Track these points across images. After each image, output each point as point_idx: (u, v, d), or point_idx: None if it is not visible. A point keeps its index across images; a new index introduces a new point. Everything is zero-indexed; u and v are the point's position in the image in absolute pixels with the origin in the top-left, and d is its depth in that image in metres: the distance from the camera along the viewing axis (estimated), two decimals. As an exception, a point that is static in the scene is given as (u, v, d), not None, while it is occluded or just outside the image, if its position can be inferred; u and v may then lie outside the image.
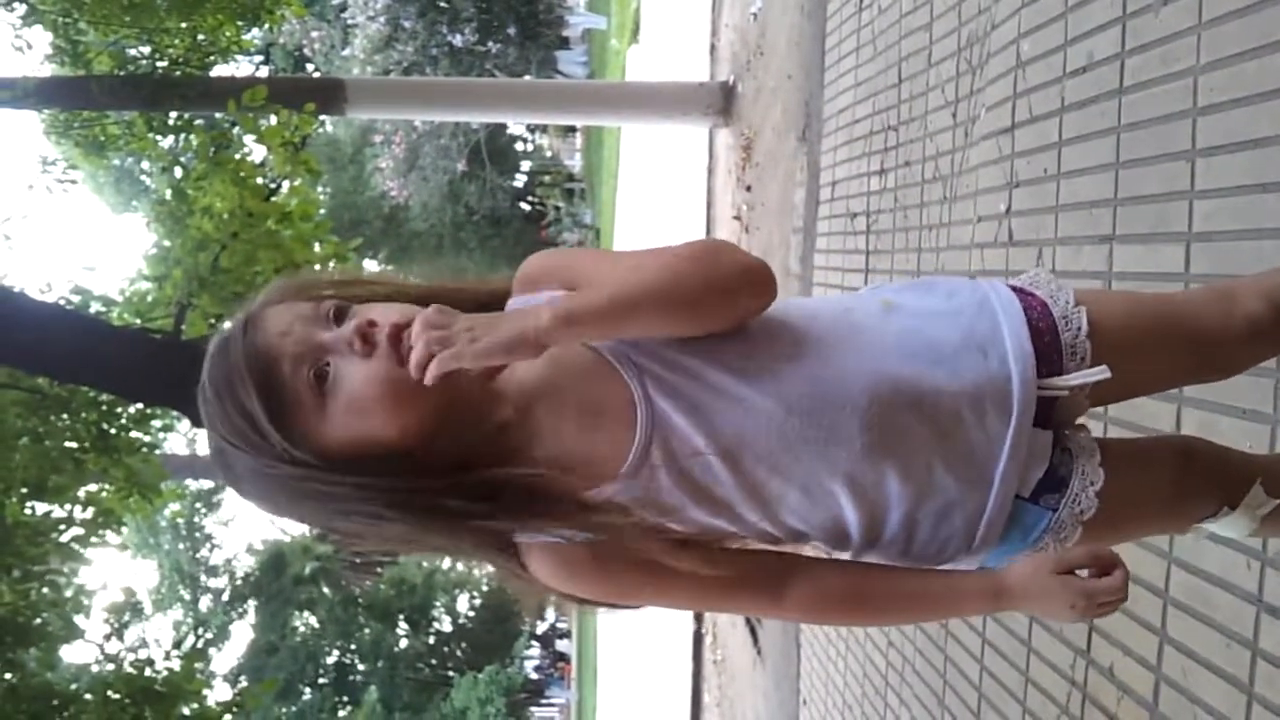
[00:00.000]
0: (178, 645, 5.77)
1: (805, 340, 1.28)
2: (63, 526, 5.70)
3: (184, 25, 8.62)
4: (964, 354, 1.29)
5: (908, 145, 4.48)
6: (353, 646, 36.77)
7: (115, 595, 6.18)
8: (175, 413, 6.25)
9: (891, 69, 4.73)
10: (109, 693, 5.34)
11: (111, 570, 47.99)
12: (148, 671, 5.59)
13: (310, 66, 25.67)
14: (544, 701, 41.84)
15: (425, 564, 39.26)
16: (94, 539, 5.75)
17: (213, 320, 5.45)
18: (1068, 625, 2.84)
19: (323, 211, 7.68)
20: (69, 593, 5.48)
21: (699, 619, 10.56)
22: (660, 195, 16.21)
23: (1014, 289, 1.38)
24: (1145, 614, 2.50)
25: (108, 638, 6.13)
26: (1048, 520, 1.32)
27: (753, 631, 7.62)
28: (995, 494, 1.29)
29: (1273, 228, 2.16)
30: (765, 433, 1.23)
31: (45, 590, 5.36)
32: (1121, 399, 1.47)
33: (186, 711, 5.49)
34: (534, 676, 41.36)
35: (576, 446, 1.24)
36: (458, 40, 21.05)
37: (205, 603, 34.72)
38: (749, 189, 8.90)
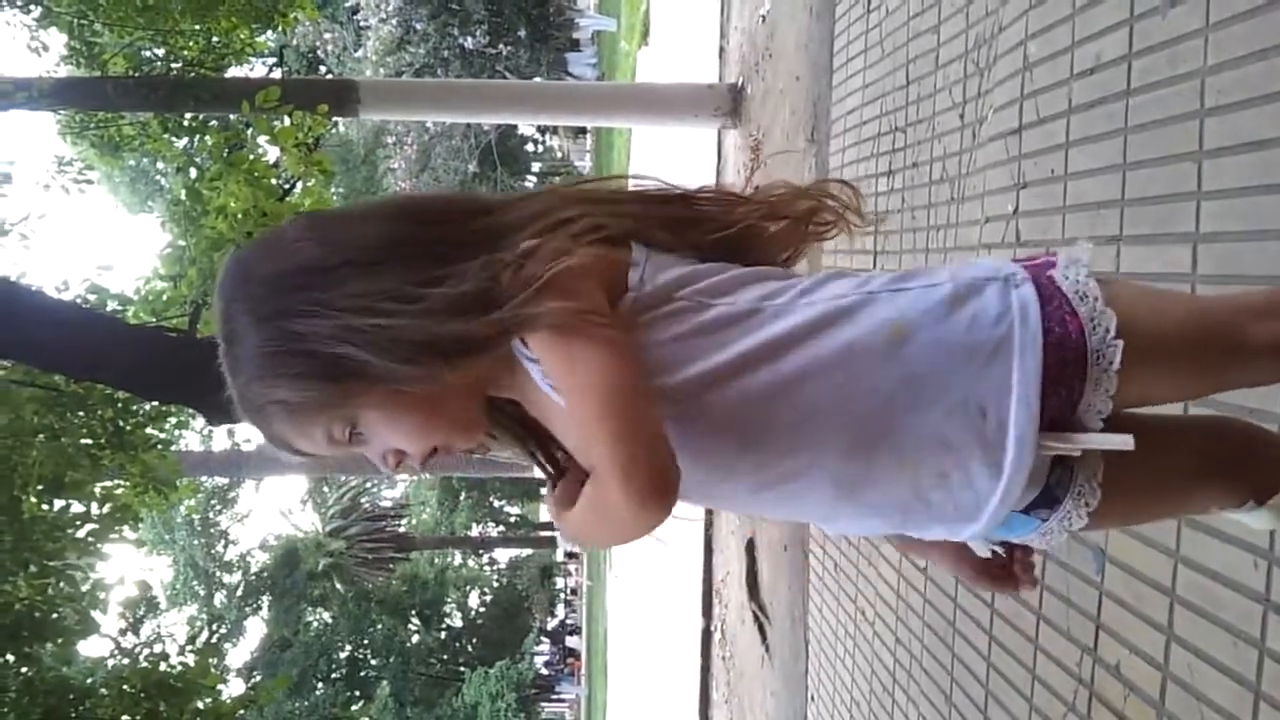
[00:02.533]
0: (192, 640, 5.78)
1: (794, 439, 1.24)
2: (79, 522, 5.72)
3: (198, 27, 8.68)
4: (958, 414, 1.21)
5: (915, 146, 4.49)
6: (365, 642, 36.88)
7: (131, 590, 6.20)
8: (190, 410, 6.30)
9: (899, 71, 4.74)
10: (124, 687, 5.37)
11: (128, 565, 48.21)
12: (163, 666, 5.63)
13: (323, 68, 25.74)
14: (554, 697, 41.88)
15: (437, 560, 39.37)
16: (110, 534, 5.78)
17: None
18: (1074, 623, 2.86)
19: (336, 211, 7.66)
20: (85, 588, 5.51)
21: (708, 617, 10.59)
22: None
23: (1042, 292, 1.25)
24: (1152, 612, 2.51)
25: (123, 632, 6.16)
26: (1035, 527, 1.31)
27: (761, 629, 7.63)
28: (981, 523, 1.28)
29: (1278, 229, 2.17)
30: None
31: (62, 585, 5.39)
32: (1136, 406, 1.36)
33: (201, 706, 5.52)
34: (544, 672, 41.41)
35: None
36: (469, 42, 21.10)
37: (220, 598, 34.85)
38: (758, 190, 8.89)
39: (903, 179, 4.64)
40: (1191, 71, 2.50)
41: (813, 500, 1.28)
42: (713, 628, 10.52)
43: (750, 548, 8.19)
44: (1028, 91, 3.38)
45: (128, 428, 6.04)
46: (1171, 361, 1.28)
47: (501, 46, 21.67)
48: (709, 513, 10.38)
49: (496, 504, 43.13)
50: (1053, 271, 1.27)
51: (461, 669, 37.82)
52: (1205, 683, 2.30)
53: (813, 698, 5.89)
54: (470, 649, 39.78)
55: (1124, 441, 1.21)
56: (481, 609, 41.91)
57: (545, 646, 43.54)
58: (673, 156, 15.81)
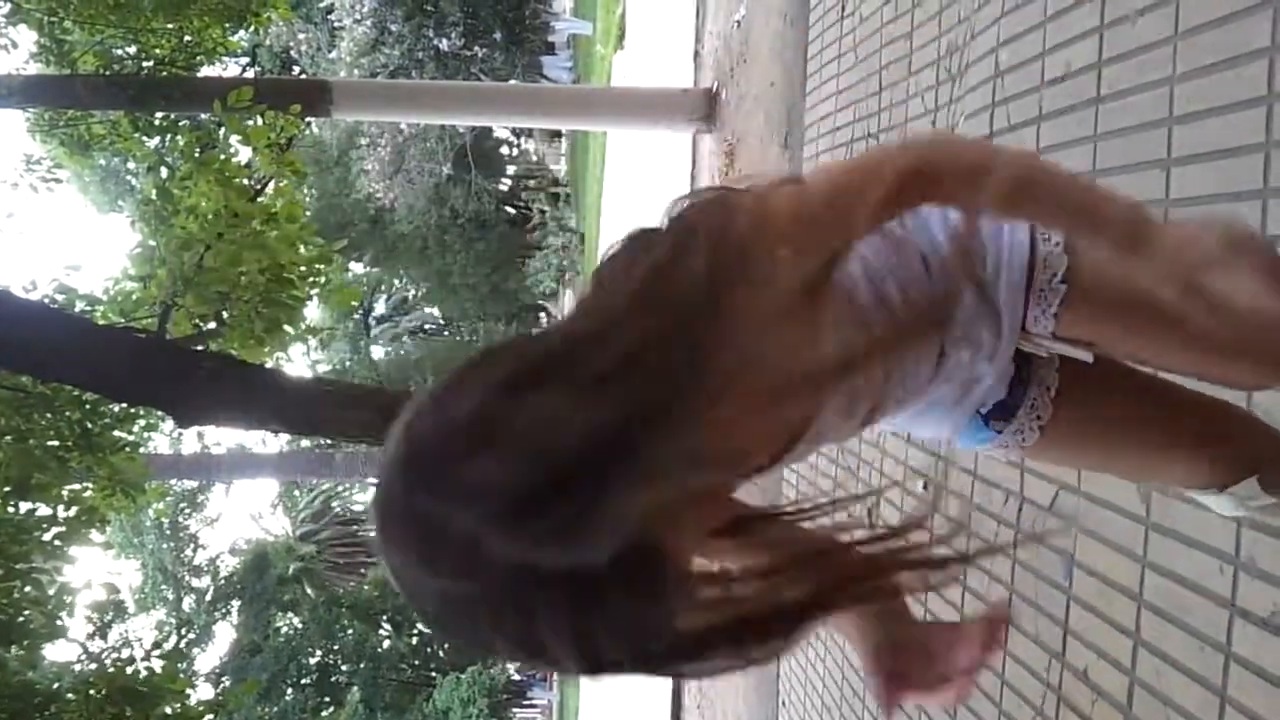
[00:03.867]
0: (158, 645, 5.71)
1: None
2: (46, 525, 5.66)
3: (170, 26, 8.63)
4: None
5: (889, 152, 4.51)
6: (335, 647, 36.65)
7: (98, 594, 6.14)
8: (159, 412, 6.24)
9: (873, 77, 4.76)
10: (90, 692, 5.32)
11: (95, 569, 47.77)
12: (129, 670, 5.57)
13: (297, 69, 25.63)
14: (526, 702, 41.77)
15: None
16: (77, 537, 5.73)
17: (197, 320, 5.44)
18: (1043, 628, 2.87)
19: (308, 213, 7.66)
20: (52, 591, 5.45)
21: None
22: (644, 200, 16.24)
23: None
24: (1120, 617, 2.53)
25: (90, 637, 6.11)
26: (993, 439, 1.40)
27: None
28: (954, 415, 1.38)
29: (1245, 236, 2.18)
30: None
31: (28, 589, 5.34)
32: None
33: (168, 711, 5.47)
34: (516, 677, 41.29)
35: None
36: (444, 44, 21.08)
37: (189, 603, 34.57)
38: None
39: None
40: (1160, 79, 2.52)
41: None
42: (684, 632, 10.50)
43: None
44: (999, 98, 3.40)
45: (95, 430, 5.97)
46: (1112, 317, 1.32)
47: (477, 49, 21.66)
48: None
49: (469, 508, 42.95)
50: None
51: (433, 674, 37.65)
52: (1172, 687, 2.31)
53: (784, 703, 5.89)
54: (442, 654, 39.60)
55: (1083, 355, 1.31)
56: (453, 614, 41.66)
57: (517, 651, 43.31)
58: (647, 161, 15.83)
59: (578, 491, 0.75)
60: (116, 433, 6.17)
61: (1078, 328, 1.31)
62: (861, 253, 1.18)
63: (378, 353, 38.32)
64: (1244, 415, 1.49)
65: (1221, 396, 1.45)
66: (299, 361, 33.15)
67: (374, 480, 0.84)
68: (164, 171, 6.69)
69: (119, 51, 9.28)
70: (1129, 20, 2.68)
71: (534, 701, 41.75)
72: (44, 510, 5.78)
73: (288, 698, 34.49)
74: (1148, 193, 2.54)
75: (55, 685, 5.79)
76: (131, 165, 18.02)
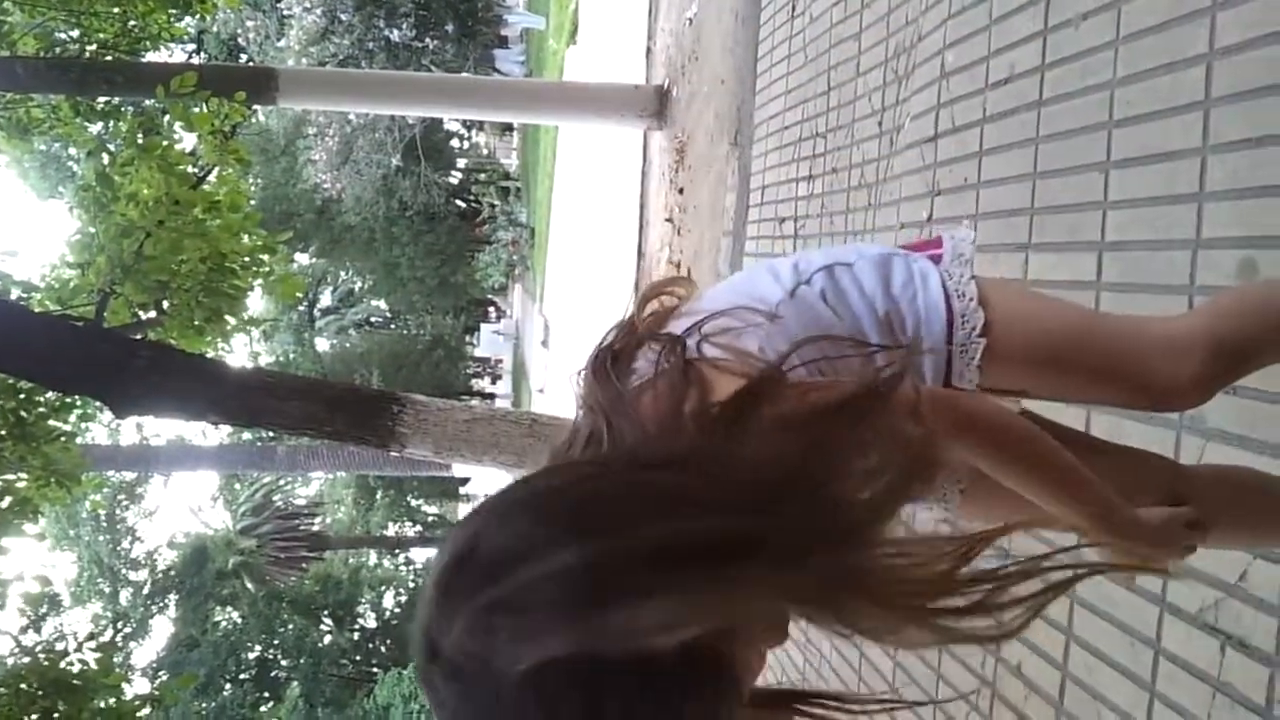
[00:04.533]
0: (93, 637, 5.62)
1: None
2: (-24, 515, 5.57)
3: (114, 10, 8.49)
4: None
5: (835, 152, 4.54)
6: (275, 642, 36.30)
7: (31, 586, 6.02)
8: (96, 402, 6.14)
9: (821, 77, 4.79)
10: (22, 685, 5.22)
11: (29, 561, 46.97)
12: (63, 664, 5.47)
13: (244, 57, 25.32)
14: (469, 700, 41.57)
15: (351, 560, 38.94)
16: (10, 528, 5.62)
17: (136, 309, 5.36)
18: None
19: (253, 203, 7.56)
20: (-17, 582, 5.35)
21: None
22: (595, 196, 16.22)
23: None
24: (1053, 614, 2.56)
25: (24, 629, 5.99)
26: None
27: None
28: None
29: (1182, 239, 2.22)
30: None
31: (-43, 580, 5.24)
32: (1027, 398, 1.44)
33: (102, 705, 5.38)
34: (459, 675, 41.09)
35: None
36: (395, 35, 20.92)
37: (125, 596, 34.07)
38: (681, 192, 8.94)
39: (822, 184, 4.69)
40: (1102, 83, 2.56)
41: None
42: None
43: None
44: (944, 100, 3.43)
45: (30, 419, 5.87)
46: (1045, 369, 1.35)
47: (428, 40, 21.53)
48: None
49: (414, 503, 42.74)
50: (940, 268, 1.37)
51: (374, 670, 37.40)
52: (1103, 682, 2.35)
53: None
54: (384, 650, 39.35)
55: (1010, 404, 1.33)
56: (396, 609, 41.46)
57: (460, 647, 43.16)
58: (598, 157, 15.81)
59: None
60: (52, 422, 6.06)
61: (1000, 377, 1.33)
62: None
63: (323, 345, 37.96)
64: (1161, 461, 1.53)
65: (1143, 450, 1.50)
66: (241, 353, 32.79)
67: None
68: (105, 157, 6.57)
69: (61, 35, 9.13)
70: (1072, 25, 2.71)
71: (476, 697, 41.56)
72: (-24, 500, 5.67)
73: (226, 693, 34.12)
74: (1087, 195, 2.58)
75: (-15, 678, 5.69)
76: (72, 150, 17.74)
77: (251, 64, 22.44)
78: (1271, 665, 1.87)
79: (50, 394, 5.97)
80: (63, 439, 6.10)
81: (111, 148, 7.32)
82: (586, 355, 1.10)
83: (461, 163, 35.14)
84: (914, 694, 3.28)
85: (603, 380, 1.04)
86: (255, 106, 9.89)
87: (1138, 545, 1.21)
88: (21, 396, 5.83)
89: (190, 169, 5.72)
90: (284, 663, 36.42)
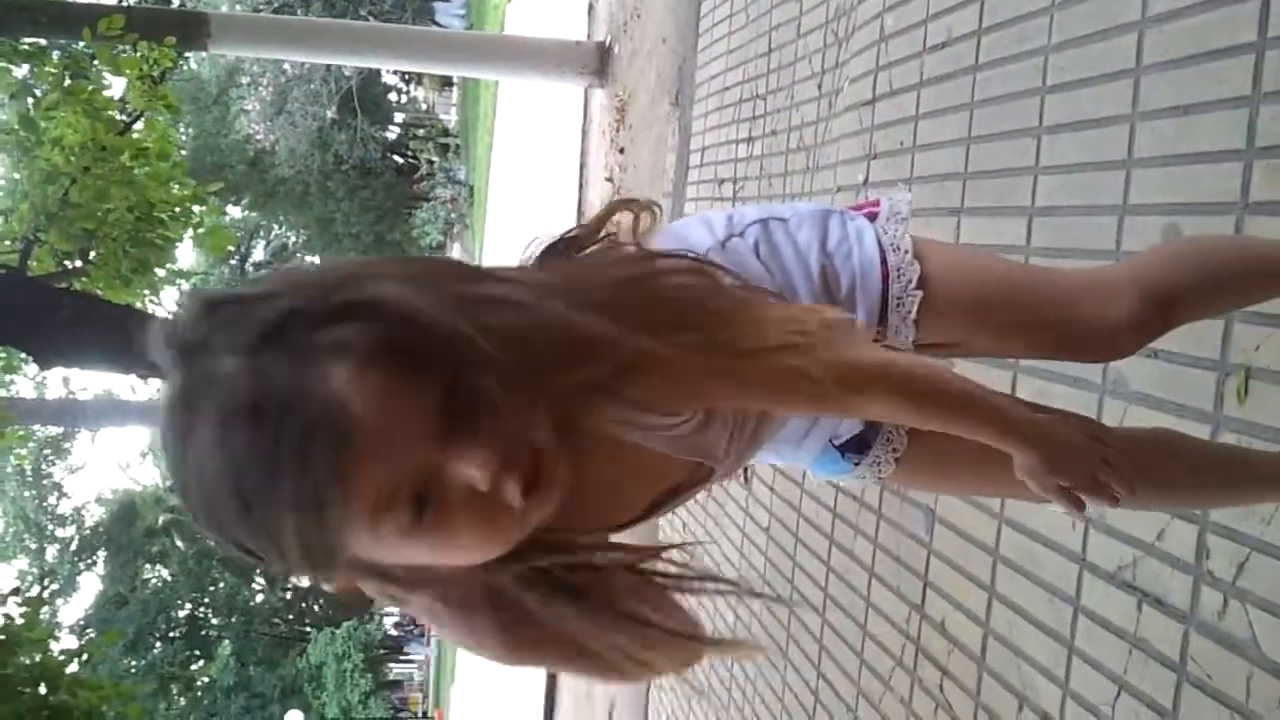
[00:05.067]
0: (17, 592, 5.51)
1: None
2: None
3: (39, -52, 8.21)
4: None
5: (775, 114, 4.54)
6: (206, 600, 35.99)
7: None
8: (20, 353, 6.01)
9: (762, 38, 4.78)
10: (-59, 641, 5.14)
11: (-51, 518, 46.02)
12: (-15, 620, 5.39)
13: (176, 2, 24.69)
14: (403, 657, 41.61)
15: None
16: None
17: (62, 257, 5.25)
18: (904, 581, 2.95)
19: (183, 152, 7.40)
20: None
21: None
22: (535, 154, 16.10)
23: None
24: (976, 571, 2.61)
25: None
26: (848, 470, 1.43)
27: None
28: (810, 442, 1.41)
29: (1110, 204, 2.25)
30: None
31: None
32: (963, 356, 1.47)
33: (27, 661, 5.31)
34: (393, 633, 41.07)
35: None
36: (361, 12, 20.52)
37: (52, 553, 33.55)
38: (622, 151, 8.89)
39: (761, 146, 4.69)
40: (1036, 49, 2.58)
41: None
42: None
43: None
44: (883, 63, 3.44)
45: (-49, 368, 5.74)
46: (978, 318, 1.37)
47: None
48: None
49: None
50: (875, 225, 1.38)
51: (307, 629, 37.24)
52: (1023, 638, 2.39)
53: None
54: (317, 609, 39.18)
55: (945, 360, 1.35)
56: (329, 567, 41.24)
57: (395, 608, 43.15)
58: (538, 114, 15.68)
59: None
60: (-27, 374, 5.94)
61: (936, 331, 1.35)
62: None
63: (256, 300, 37.38)
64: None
65: (1067, 412, 1.51)
66: (170, 306, 32.18)
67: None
68: (29, 100, 6.39)
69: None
70: (1008, -11, 2.73)
71: (411, 657, 41.60)
72: (-107, 452, 5.54)
73: (156, 650, 33.80)
74: (1019, 161, 2.61)
75: (-95, 634, 5.58)
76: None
77: (183, 8, 21.91)
78: (1186, 622, 1.92)
79: (-29, 345, 5.84)
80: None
81: (37, 91, 7.11)
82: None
83: (399, 117, 34.68)
84: (840, 649, 3.33)
85: (549, 254, 1.07)
86: (186, 53, 9.65)
87: (1060, 456, 1.22)
88: (-58, 346, 5.70)
89: (118, 115, 5.59)
90: (215, 621, 36.14)
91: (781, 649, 3.81)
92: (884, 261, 1.34)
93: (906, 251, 1.34)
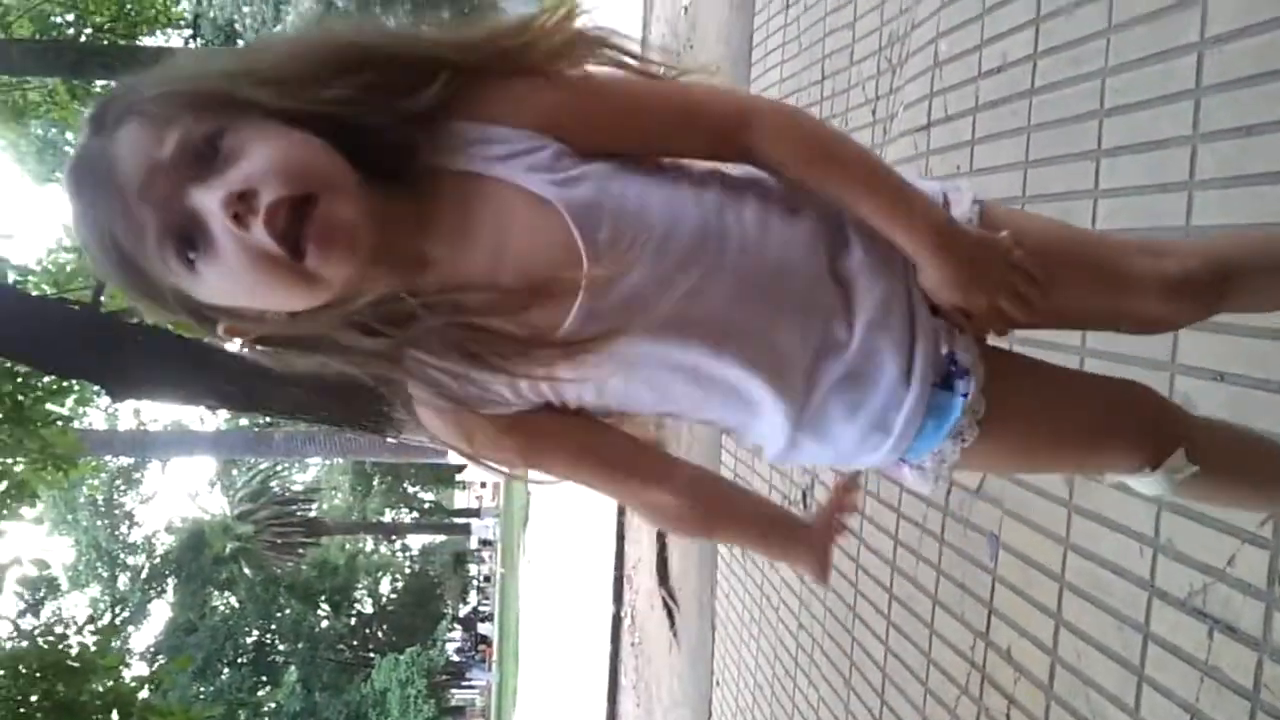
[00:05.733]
0: (92, 620, 5.63)
1: None
2: (-26, 499, 5.59)
3: (110, -7, 8.48)
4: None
5: (830, 140, 4.54)
6: (273, 627, 36.38)
7: (29, 570, 6.04)
8: (94, 387, 6.15)
9: (815, 65, 4.79)
10: (20, 668, 5.25)
11: (26, 545, 47.05)
12: (61, 647, 5.51)
13: (240, 42, 25.23)
14: (465, 683, 41.75)
15: (348, 546, 38.98)
16: (7, 512, 5.65)
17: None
18: (969, 608, 2.93)
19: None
20: (-20, 566, 5.38)
21: (618, 603, 10.63)
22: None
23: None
24: (1042, 598, 2.58)
25: (21, 613, 6.02)
26: (961, 404, 1.24)
27: (670, 615, 7.69)
28: (916, 379, 1.23)
29: (1172, 226, 2.23)
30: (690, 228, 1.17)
31: (-44, 563, 5.27)
32: (1024, 327, 1.34)
33: (99, 688, 5.42)
34: (455, 658, 41.24)
35: (522, 271, 1.11)
36: (390, 21, 20.85)
37: (123, 581, 34.13)
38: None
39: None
40: (1093, 72, 2.57)
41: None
42: (623, 614, 10.57)
43: (661, 535, 8.24)
44: (937, 88, 3.43)
45: (27, 402, 5.89)
46: (1053, 260, 1.29)
47: (424, 26, 21.48)
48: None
49: (410, 489, 42.78)
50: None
51: (371, 655, 37.49)
52: (1092, 666, 2.36)
53: (718, 681, 5.95)
54: (381, 635, 39.43)
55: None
56: (393, 595, 41.54)
57: (457, 633, 43.34)
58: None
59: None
60: (49, 406, 6.09)
61: None
62: None
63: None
64: (1152, 393, 1.47)
65: (1126, 379, 1.46)
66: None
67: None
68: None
69: (57, 18, 9.12)
70: (1064, 13, 2.72)
71: (473, 682, 41.73)
72: (-27, 484, 5.70)
73: (224, 676, 34.20)
74: (1078, 184, 2.59)
75: (-17, 661, 5.71)
76: (69, 134, 17.70)
77: (246, 46, 22.39)
78: (1259, 649, 1.89)
79: (48, 378, 5.98)
80: (60, 423, 6.13)
81: (108, 132, 7.31)
82: None
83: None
84: (904, 677, 3.31)
85: None
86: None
87: (975, 267, 1.19)
88: (19, 380, 5.86)
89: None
90: (281, 647, 36.51)
91: (845, 677, 3.79)
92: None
93: (971, 220, 1.28)
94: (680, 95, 1.17)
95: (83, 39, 8.67)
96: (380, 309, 1.09)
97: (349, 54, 1.08)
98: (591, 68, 1.16)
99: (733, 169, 1.24)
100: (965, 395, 1.24)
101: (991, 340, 1.33)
